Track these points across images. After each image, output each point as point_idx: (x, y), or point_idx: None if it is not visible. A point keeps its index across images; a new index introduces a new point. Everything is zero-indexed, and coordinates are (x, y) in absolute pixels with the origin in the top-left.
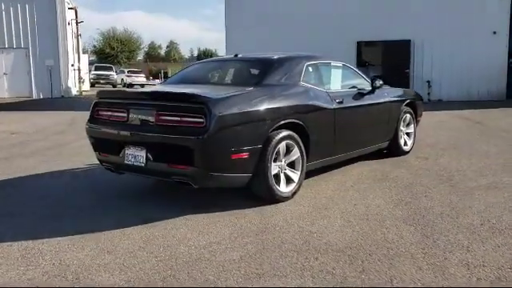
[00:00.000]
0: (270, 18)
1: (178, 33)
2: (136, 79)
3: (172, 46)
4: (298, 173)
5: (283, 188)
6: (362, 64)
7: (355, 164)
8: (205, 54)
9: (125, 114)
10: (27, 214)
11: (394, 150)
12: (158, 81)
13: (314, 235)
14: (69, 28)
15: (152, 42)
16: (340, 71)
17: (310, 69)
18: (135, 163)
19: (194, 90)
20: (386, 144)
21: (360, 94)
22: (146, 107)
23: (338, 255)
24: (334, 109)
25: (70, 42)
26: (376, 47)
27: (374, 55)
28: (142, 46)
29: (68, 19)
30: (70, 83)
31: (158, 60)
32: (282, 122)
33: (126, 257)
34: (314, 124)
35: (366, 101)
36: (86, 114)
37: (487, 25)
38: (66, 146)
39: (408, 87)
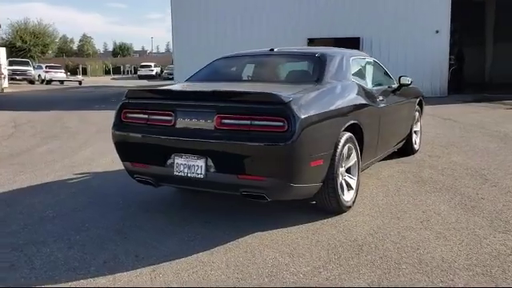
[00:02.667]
0: (220, 13)
1: (87, 26)
2: (55, 75)
3: (85, 40)
4: (355, 178)
5: (346, 196)
6: None
7: (376, 166)
8: (121, 49)
9: (170, 118)
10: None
11: (408, 148)
12: (80, 76)
13: (419, 251)
14: None
15: (64, 36)
16: (372, 67)
17: (354, 64)
18: (190, 175)
19: (260, 88)
20: (403, 143)
21: (391, 92)
22: (203, 109)
23: (469, 274)
24: (379, 107)
25: None
26: (327, 44)
27: None
28: (56, 40)
29: None
30: None
31: (71, 54)
32: (348, 124)
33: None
34: (367, 124)
35: (396, 98)
36: (26, 114)
37: (430, 24)
38: (30, 152)
39: None
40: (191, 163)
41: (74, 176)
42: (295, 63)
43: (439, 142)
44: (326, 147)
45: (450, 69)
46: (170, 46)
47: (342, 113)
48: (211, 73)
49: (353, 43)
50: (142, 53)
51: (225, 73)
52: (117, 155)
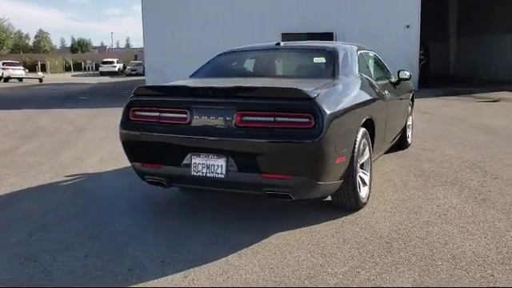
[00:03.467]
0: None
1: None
2: (14, 72)
3: (42, 35)
4: (369, 174)
5: (362, 193)
6: None
7: (376, 161)
8: (79, 44)
9: (185, 115)
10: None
11: (403, 142)
12: (40, 73)
13: (448, 246)
14: None
15: (19, 31)
16: (374, 60)
17: (360, 58)
18: (209, 174)
19: (279, 83)
20: (399, 136)
21: (392, 86)
22: (221, 106)
23: (506, 268)
24: (386, 102)
25: None
26: (301, 39)
27: None
28: (12, 36)
29: None
30: None
31: (27, 51)
32: (365, 119)
33: None
34: (378, 119)
35: (397, 92)
36: None
37: (401, 19)
38: (9, 153)
39: None
40: (210, 162)
41: (65, 178)
42: (307, 58)
43: (427, 136)
44: (348, 143)
45: (419, 63)
46: (131, 42)
47: (360, 108)
48: (219, 68)
49: (326, 38)
50: (102, 49)
51: (234, 68)
52: (105, 154)
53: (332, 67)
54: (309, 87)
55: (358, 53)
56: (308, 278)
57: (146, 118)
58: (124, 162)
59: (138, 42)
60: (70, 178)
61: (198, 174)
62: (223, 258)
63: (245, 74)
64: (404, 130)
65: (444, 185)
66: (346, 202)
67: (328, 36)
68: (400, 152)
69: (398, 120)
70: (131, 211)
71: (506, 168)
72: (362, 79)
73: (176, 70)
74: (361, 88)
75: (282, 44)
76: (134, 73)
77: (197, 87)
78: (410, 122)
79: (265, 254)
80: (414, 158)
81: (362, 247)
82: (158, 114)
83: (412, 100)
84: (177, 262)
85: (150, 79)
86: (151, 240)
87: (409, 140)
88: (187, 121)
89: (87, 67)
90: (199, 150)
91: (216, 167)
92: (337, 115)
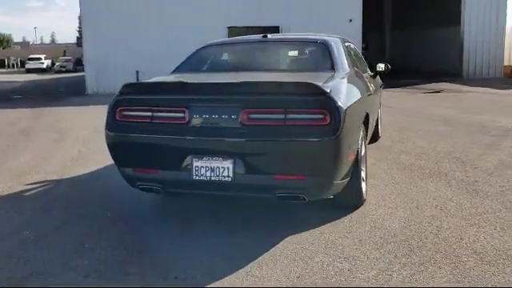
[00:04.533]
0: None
1: None
2: None
3: None
4: (365, 170)
5: (363, 189)
6: None
7: None
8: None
9: (182, 114)
10: None
11: (376, 135)
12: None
13: (464, 241)
14: None
15: None
16: (355, 53)
17: (348, 51)
18: (214, 178)
19: (281, 77)
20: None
21: (372, 78)
22: (224, 103)
23: None
24: (373, 94)
25: None
26: (247, 33)
27: None
28: None
29: None
30: None
31: None
32: (365, 113)
33: None
34: (371, 113)
35: (375, 85)
36: None
37: (344, 13)
38: None
39: None
40: (215, 165)
41: (28, 187)
42: (299, 50)
43: (391, 127)
44: (355, 139)
45: None
46: (56, 37)
47: (363, 102)
48: (205, 63)
49: (272, 32)
50: (25, 44)
51: (222, 62)
52: (63, 159)
53: (330, 60)
54: (318, 81)
55: (346, 45)
56: (342, 285)
57: (138, 119)
58: (91, 166)
59: (65, 37)
60: (33, 186)
61: (201, 179)
62: (243, 270)
63: (236, 69)
64: (377, 123)
65: (430, 177)
66: (352, 199)
67: (274, 30)
68: (372, 145)
69: (377, 113)
70: (119, 221)
71: (482, 157)
72: (356, 72)
73: (119, 65)
74: (359, 81)
75: (269, 36)
76: (63, 69)
77: (196, 83)
78: (379, 115)
79: (285, 261)
80: (387, 150)
81: (380, 247)
82: (150, 113)
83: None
84: (192, 277)
85: (91, 76)
86: (154, 254)
87: (379, 133)
88: (185, 120)
89: (11, 64)
90: (201, 152)
91: (222, 170)
92: (350, 111)
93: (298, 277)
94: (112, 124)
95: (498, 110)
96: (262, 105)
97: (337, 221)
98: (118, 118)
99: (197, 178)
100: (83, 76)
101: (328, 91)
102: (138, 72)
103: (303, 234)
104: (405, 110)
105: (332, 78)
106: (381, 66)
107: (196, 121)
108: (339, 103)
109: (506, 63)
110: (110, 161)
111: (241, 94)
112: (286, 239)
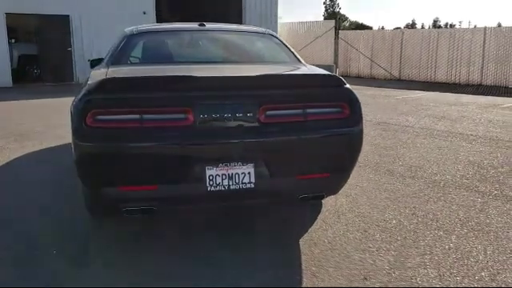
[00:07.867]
0: None
1: None
2: None
3: None
4: None
5: None
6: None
7: None
8: None
9: (187, 115)
10: None
11: None
12: None
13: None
14: None
15: None
16: None
17: None
18: (234, 187)
19: (267, 69)
20: None
21: None
22: (239, 99)
23: None
24: None
25: None
26: (31, 21)
27: (29, 30)
28: None
29: None
30: None
31: None
32: None
33: None
34: None
35: None
36: None
37: (138, 5)
38: None
39: (71, 67)
40: (234, 171)
41: None
42: (250, 42)
43: None
44: None
45: None
46: None
47: None
48: (152, 53)
49: (61, 20)
50: None
51: (165, 54)
52: None
53: (290, 52)
54: (322, 71)
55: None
56: (388, 275)
57: (120, 124)
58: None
59: None
60: None
61: (217, 189)
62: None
63: (187, 61)
64: None
65: (391, 174)
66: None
67: (64, 18)
68: None
69: None
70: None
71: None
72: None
73: None
74: None
75: (208, 26)
76: None
77: (203, 77)
78: None
79: (312, 269)
80: None
81: (390, 237)
82: (138, 116)
83: None
84: None
85: None
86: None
87: None
88: (191, 121)
89: None
90: (215, 158)
91: (242, 176)
92: None
93: (345, 276)
94: (83, 130)
95: None
96: (281, 100)
97: (323, 215)
98: (89, 122)
99: (212, 188)
100: None
101: (345, 83)
102: None
103: (306, 234)
104: None
105: (315, 69)
106: None
107: (203, 122)
108: (354, 95)
109: None
110: None
111: (258, 89)
112: (295, 243)
